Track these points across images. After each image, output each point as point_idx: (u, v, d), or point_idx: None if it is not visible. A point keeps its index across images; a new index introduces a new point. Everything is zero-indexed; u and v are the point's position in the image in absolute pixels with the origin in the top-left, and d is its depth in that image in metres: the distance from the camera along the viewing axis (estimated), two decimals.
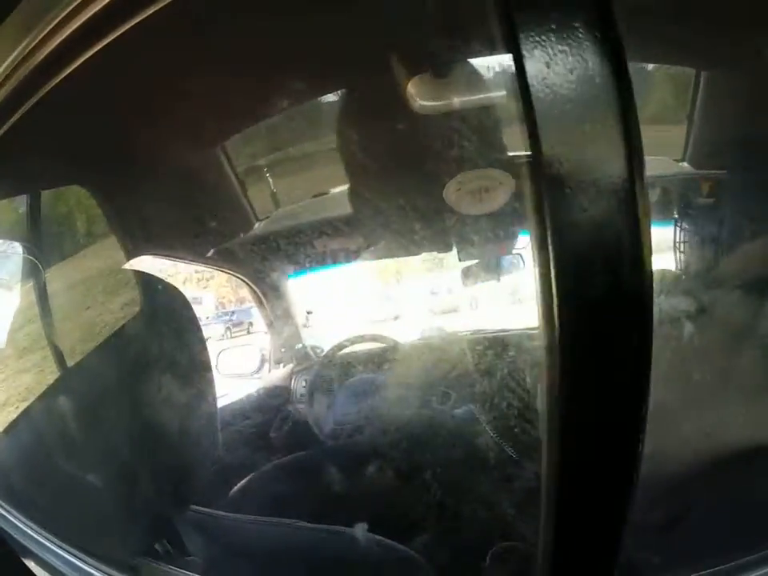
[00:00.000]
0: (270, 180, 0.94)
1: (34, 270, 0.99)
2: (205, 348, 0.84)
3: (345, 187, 0.90)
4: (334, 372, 1.00)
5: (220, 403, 0.99)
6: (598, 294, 0.26)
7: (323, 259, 0.95)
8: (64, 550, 0.65)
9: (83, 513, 0.72)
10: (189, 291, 1.07)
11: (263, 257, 0.98)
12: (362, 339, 0.99)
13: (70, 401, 0.87)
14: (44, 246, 1.03)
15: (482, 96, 0.65)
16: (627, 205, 0.26)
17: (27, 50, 0.42)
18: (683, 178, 0.94)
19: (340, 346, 0.99)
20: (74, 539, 0.67)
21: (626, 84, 0.26)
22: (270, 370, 1.13)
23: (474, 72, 0.63)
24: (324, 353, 1.04)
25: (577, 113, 0.25)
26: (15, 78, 0.45)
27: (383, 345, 0.97)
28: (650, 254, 0.27)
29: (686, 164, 0.95)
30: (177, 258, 1.00)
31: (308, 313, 1.12)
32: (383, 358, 0.94)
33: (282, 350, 1.14)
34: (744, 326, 0.66)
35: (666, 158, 0.99)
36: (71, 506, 0.75)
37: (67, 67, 0.44)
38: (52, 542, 0.66)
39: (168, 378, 0.76)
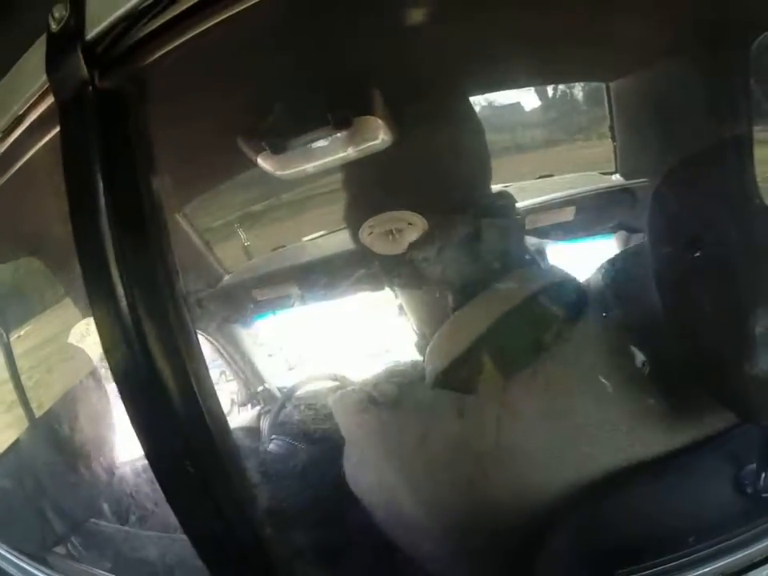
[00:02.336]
0: (242, 235, 1.06)
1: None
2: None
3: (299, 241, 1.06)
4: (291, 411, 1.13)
5: None
6: None
7: (274, 305, 1.10)
8: (9, 553, 0.87)
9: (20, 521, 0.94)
10: None
11: (227, 306, 1.14)
12: (315, 379, 1.10)
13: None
14: (22, 292, 1.23)
15: (320, 162, 0.80)
16: None
17: None
18: (611, 190, 1.06)
19: (296, 387, 1.12)
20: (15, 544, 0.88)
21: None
22: (239, 412, 1.26)
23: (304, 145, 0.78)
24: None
25: None
26: None
27: (335, 383, 1.08)
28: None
29: (617, 176, 1.08)
30: None
31: (269, 356, 1.25)
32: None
33: (248, 392, 1.27)
34: None
35: (593, 173, 1.12)
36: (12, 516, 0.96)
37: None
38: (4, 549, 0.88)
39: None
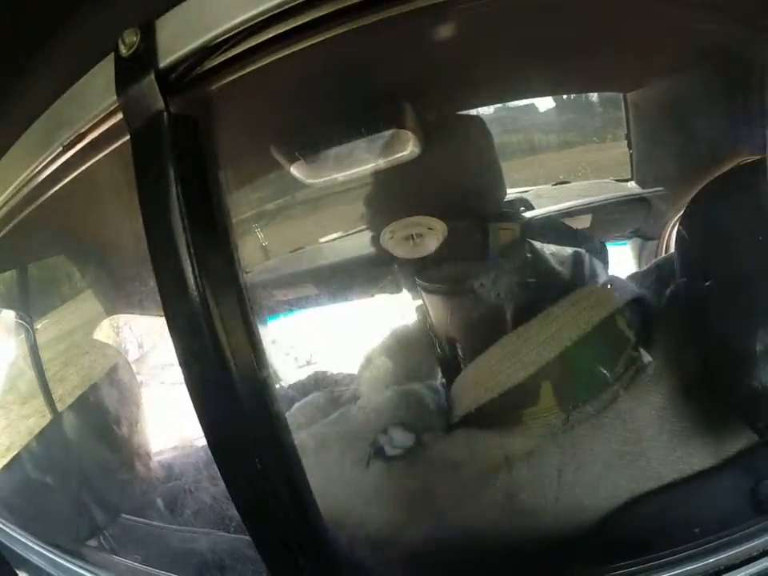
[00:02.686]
0: (260, 235, 1.09)
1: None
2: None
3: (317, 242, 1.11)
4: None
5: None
6: None
7: (293, 305, 1.14)
8: (42, 547, 0.91)
9: (54, 515, 0.99)
10: None
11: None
12: (327, 377, 1.12)
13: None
14: (43, 286, 1.27)
15: (351, 172, 0.85)
16: None
17: (37, 169, 0.67)
18: (625, 199, 1.11)
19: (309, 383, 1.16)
20: (49, 538, 0.93)
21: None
22: None
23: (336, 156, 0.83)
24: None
25: None
26: (25, 189, 0.70)
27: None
28: None
29: (633, 183, 1.12)
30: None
31: (285, 354, 1.29)
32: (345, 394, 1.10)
33: None
34: None
35: (609, 180, 1.16)
36: (47, 511, 1.01)
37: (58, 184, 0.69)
38: (36, 543, 0.93)
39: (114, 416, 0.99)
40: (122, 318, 1.11)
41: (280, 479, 0.50)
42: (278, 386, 1.17)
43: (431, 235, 0.90)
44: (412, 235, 0.90)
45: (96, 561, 0.88)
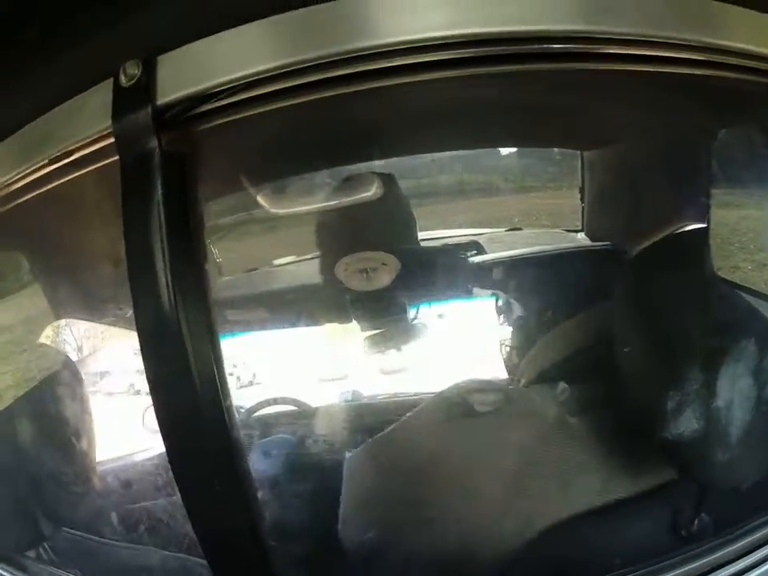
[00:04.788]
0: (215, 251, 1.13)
1: None
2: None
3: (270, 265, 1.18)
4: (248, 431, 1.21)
5: (144, 456, 1.21)
6: None
7: (243, 326, 1.18)
8: None
9: None
10: None
11: None
12: (274, 402, 1.18)
13: None
14: None
15: (315, 207, 0.92)
16: None
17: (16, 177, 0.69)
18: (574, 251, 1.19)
19: (254, 408, 1.18)
20: None
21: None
22: None
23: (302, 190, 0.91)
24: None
25: None
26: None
27: (295, 408, 1.17)
28: None
29: (582, 234, 1.19)
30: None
31: (229, 374, 1.31)
32: (293, 420, 1.14)
33: None
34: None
35: (559, 230, 1.24)
36: None
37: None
38: None
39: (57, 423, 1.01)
40: (71, 323, 1.13)
41: (237, 502, 0.55)
42: None
43: (384, 270, 0.96)
44: (366, 269, 0.95)
45: (35, 573, 0.90)
